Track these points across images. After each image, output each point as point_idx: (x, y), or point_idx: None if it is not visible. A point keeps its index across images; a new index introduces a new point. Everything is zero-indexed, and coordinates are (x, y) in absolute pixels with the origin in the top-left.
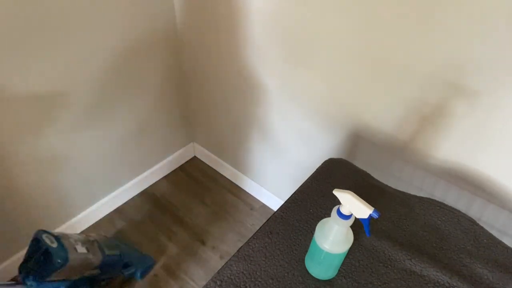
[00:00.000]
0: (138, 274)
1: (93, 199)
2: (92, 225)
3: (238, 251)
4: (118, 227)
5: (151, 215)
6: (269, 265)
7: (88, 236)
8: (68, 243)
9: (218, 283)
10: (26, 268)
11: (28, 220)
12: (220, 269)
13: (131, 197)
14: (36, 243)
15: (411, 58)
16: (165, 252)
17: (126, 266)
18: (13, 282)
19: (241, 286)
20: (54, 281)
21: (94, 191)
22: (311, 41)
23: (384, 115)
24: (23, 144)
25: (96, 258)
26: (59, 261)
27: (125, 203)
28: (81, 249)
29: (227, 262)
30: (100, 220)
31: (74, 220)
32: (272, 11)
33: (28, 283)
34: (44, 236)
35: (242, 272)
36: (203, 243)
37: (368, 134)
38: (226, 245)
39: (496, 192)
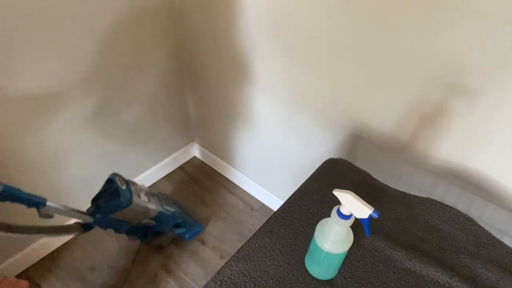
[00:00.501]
0: (187, 235)
1: None
2: None
3: (238, 251)
4: None
5: None
6: (269, 265)
7: (151, 190)
8: (134, 189)
9: (218, 283)
10: (97, 202)
11: (28, 220)
12: (220, 269)
13: None
14: (109, 183)
15: (411, 58)
16: (165, 252)
17: (177, 226)
18: (85, 211)
19: (241, 286)
20: (117, 220)
21: (94, 191)
22: (310, 40)
23: (384, 115)
24: (22, 144)
25: (154, 209)
26: (124, 201)
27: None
28: (144, 197)
29: (227, 262)
30: None
31: (74, 220)
32: (271, 10)
33: (96, 215)
34: (116, 178)
35: (242, 272)
36: (203, 243)
37: (368, 134)
38: (226, 245)
39: (496, 192)
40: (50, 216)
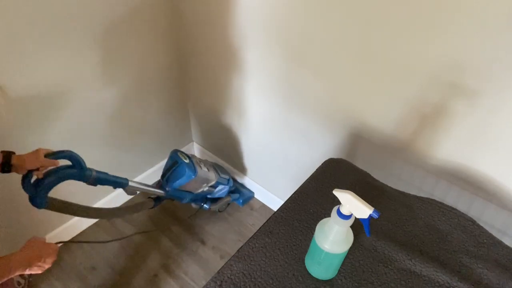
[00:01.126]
0: (241, 201)
1: (94, 199)
2: (93, 224)
3: (238, 251)
4: (119, 227)
5: (151, 215)
6: (269, 265)
7: (207, 161)
8: (196, 161)
9: (218, 283)
10: (165, 177)
11: (29, 220)
12: (220, 269)
13: (131, 197)
14: (173, 159)
15: (411, 58)
16: (165, 252)
17: (232, 192)
18: (156, 186)
19: (241, 286)
20: (183, 190)
21: (94, 190)
22: (310, 41)
23: (384, 115)
24: (23, 143)
25: (213, 178)
26: (190, 174)
27: (125, 203)
28: (204, 168)
29: (227, 262)
30: (100, 220)
31: (74, 219)
32: (271, 11)
33: (167, 188)
34: (179, 154)
35: (242, 272)
36: (203, 243)
37: (368, 134)
38: (226, 245)
39: (496, 192)
40: (135, 193)
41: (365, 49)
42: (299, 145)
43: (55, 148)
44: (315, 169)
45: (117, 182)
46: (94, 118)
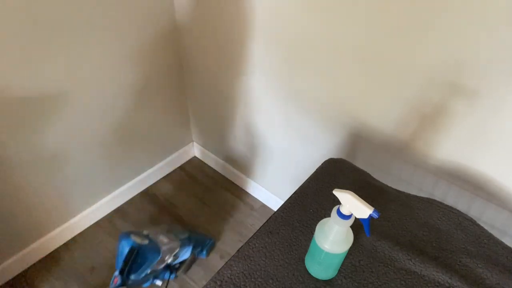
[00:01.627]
0: (204, 253)
1: (93, 199)
2: (92, 225)
3: (238, 251)
4: (118, 227)
5: (151, 215)
6: (269, 265)
7: (159, 228)
8: (154, 238)
9: (218, 283)
10: (127, 270)
11: (29, 220)
12: (220, 269)
13: (131, 197)
14: (127, 246)
15: (411, 58)
16: None
17: (193, 247)
18: (116, 286)
19: (241, 286)
20: (148, 274)
21: (94, 191)
22: (310, 41)
23: (384, 115)
24: (23, 144)
25: (176, 245)
26: (155, 255)
27: (125, 203)
28: (164, 239)
29: (227, 262)
30: (100, 220)
31: (74, 219)
32: (270, 12)
33: (129, 282)
34: (132, 237)
35: (242, 272)
36: None
37: (368, 134)
38: (226, 245)
39: (496, 192)
40: None
41: (365, 49)
42: (299, 145)
43: (56, 147)
44: (315, 169)
45: None
46: (93, 118)
